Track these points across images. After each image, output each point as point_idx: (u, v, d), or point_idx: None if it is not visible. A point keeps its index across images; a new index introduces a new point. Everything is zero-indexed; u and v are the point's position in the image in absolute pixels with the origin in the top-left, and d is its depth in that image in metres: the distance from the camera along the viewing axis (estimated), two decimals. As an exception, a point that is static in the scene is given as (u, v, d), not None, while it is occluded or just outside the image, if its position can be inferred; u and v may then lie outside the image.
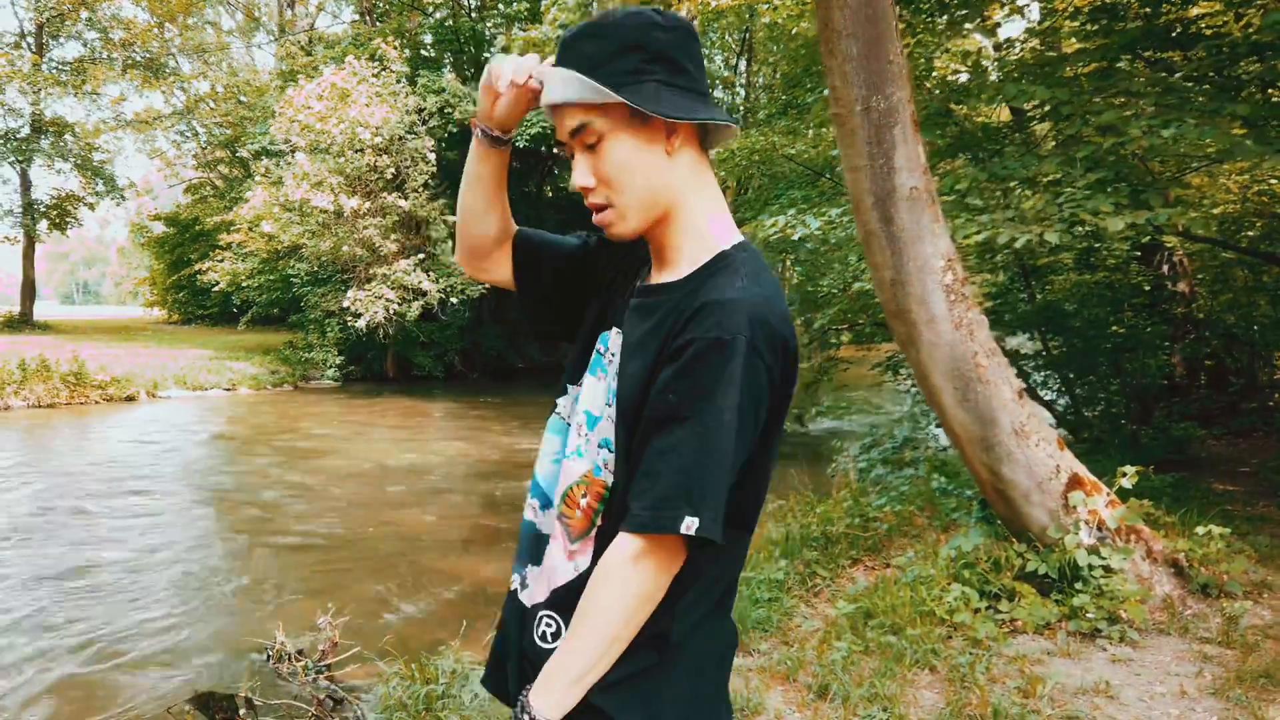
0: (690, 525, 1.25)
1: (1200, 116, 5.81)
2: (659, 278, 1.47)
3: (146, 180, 44.59)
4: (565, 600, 1.40)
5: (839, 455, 10.02)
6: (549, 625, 1.43)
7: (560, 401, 1.55)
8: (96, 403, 17.81)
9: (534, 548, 1.50)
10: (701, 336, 1.29)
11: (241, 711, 4.62)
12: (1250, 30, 6.84)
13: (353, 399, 20.63)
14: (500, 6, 27.00)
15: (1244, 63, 7.17)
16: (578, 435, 1.45)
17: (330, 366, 23.45)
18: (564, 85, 1.37)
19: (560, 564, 1.43)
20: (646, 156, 1.39)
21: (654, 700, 1.38)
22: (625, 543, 1.29)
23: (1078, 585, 4.84)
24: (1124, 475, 5.19)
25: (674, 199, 1.42)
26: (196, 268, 29.07)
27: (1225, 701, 3.90)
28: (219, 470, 12.06)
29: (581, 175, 1.41)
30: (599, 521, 1.41)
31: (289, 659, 5.36)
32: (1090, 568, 4.85)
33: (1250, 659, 4.25)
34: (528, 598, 1.49)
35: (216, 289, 26.29)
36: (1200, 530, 5.25)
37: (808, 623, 5.05)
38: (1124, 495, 5.21)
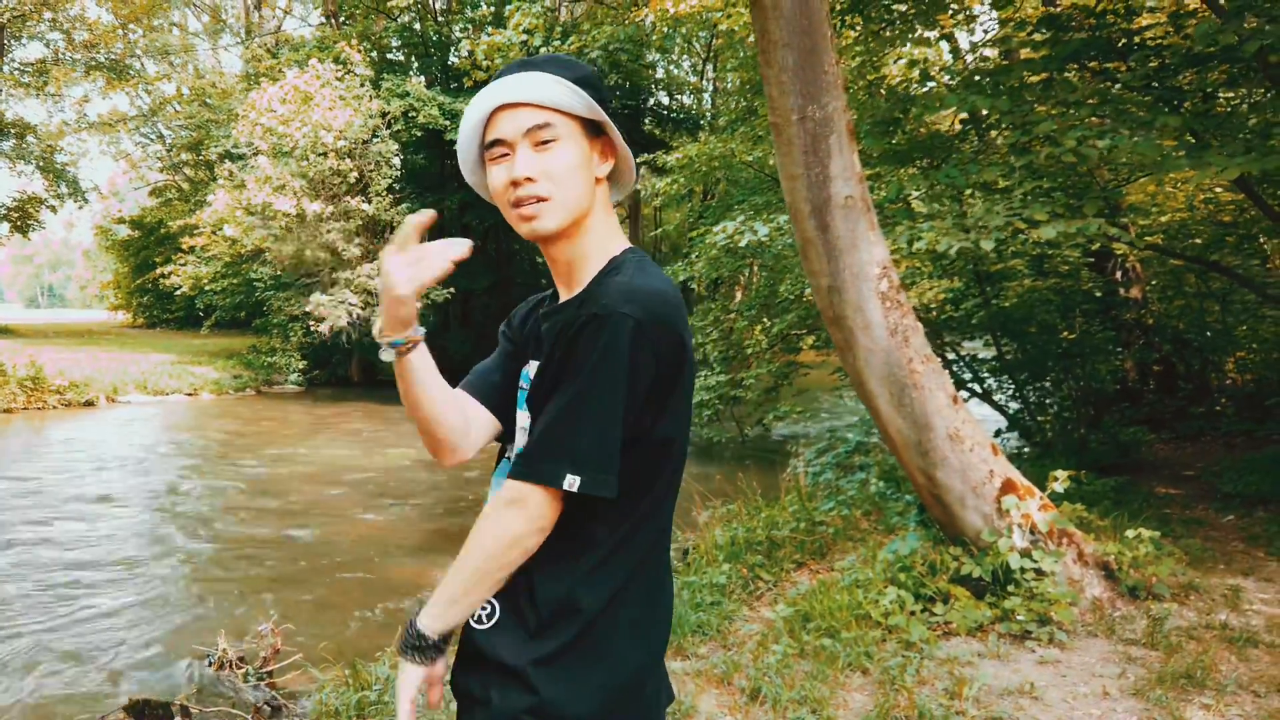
0: (572, 483, 1.39)
1: (1136, 128, 5.92)
2: (563, 298, 1.61)
3: (112, 182, 44.23)
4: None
5: (793, 459, 10.08)
6: (484, 608, 1.50)
7: (509, 448, 1.69)
8: (54, 408, 17.63)
9: None
10: (583, 315, 1.42)
11: (177, 719, 4.61)
12: (1189, 41, 6.96)
13: (316, 404, 20.53)
14: (466, 11, 26.97)
15: (1185, 73, 7.30)
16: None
17: (293, 371, 23.33)
18: (548, 87, 1.49)
19: None
20: (585, 169, 1.53)
21: (577, 678, 1.46)
22: (506, 489, 1.45)
23: (1010, 588, 4.92)
24: (1056, 480, 5.28)
25: (589, 214, 1.56)
26: (160, 271, 28.83)
27: (1146, 702, 3.98)
28: (174, 476, 11.97)
29: (526, 167, 1.49)
30: None
31: (230, 665, 5.35)
32: (1022, 571, 4.93)
33: (1172, 660, 4.33)
34: None
35: (180, 293, 26.07)
36: (1130, 534, 5.34)
37: (747, 626, 5.09)
38: (1057, 499, 5.30)
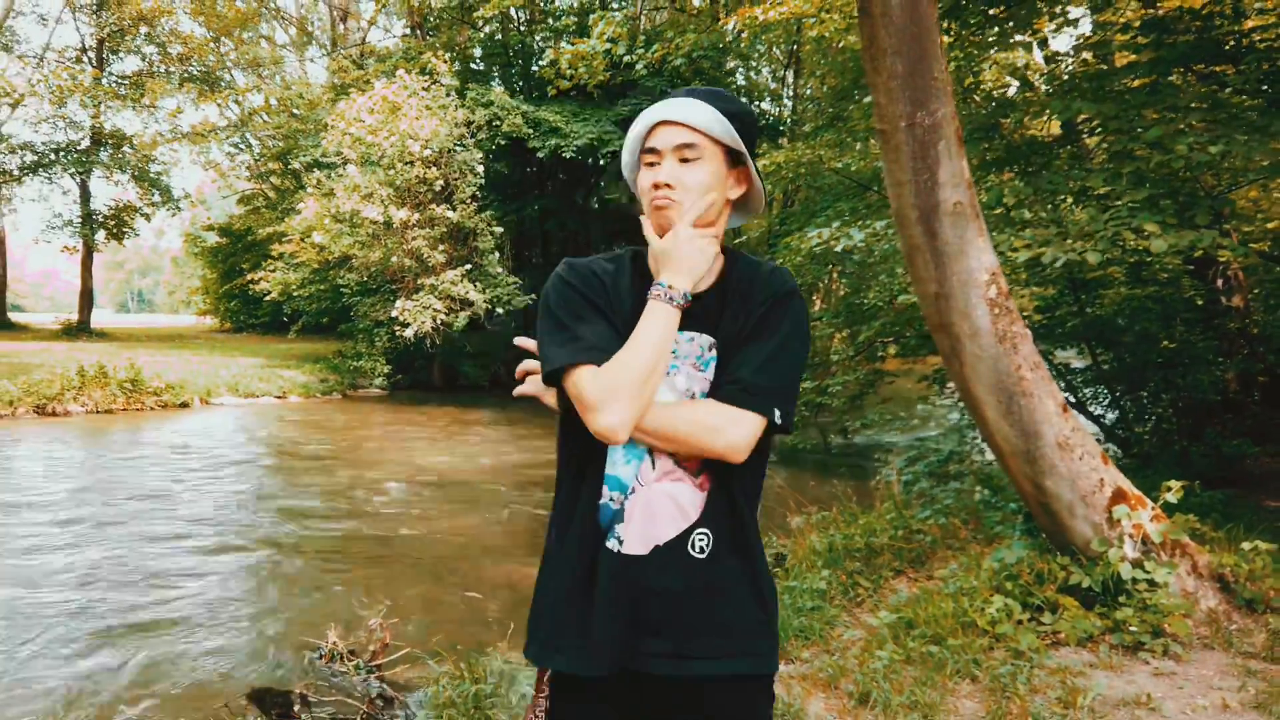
0: (778, 417, 1.73)
1: (1249, 132, 5.80)
2: (697, 289, 1.81)
3: (200, 191, 45.44)
4: (714, 519, 1.74)
5: (883, 468, 10.01)
6: (703, 539, 1.72)
7: None
8: (152, 409, 18.23)
9: (615, 520, 1.74)
10: (781, 291, 1.78)
11: (296, 708, 4.76)
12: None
13: (400, 407, 20.91)
14: (549, 21, 27.27)
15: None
16: None
17: (378, 375, 23.77)
18: (700, 114, 1.76)
19: (691, 499, 1.73)
20: (717, 189, 1.79)
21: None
22: (728, 409, 1.72)
23: (1121, 599, 4.84)
24: (1169, 490, 5.18)
25: (712, 225, 1.83)
26: (249, 277, 29.57)
27: (1268, 716, 3.90)
28: (267, 476, 12.31)
29: (668, 175, 1.77)
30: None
31: (341, 658, 5.51)
32: (1134, 581, 4.85)
33: (1295, 675, 4.24)
34: (637, 547, 1.72)
35: (268, 298, 26.72)
36: (1246, 546, 5.22)
37: (849, 632, 5.09)
38: (1169, 510, 5.21)
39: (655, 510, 1.72)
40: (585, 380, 1.66)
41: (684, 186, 1.76)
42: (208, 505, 10.17)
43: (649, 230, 1.80)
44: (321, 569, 7.88)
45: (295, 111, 31.62)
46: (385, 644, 5.54)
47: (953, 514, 7.22)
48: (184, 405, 18.92)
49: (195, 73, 33.01)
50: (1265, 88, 7.05)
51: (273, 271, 25.24)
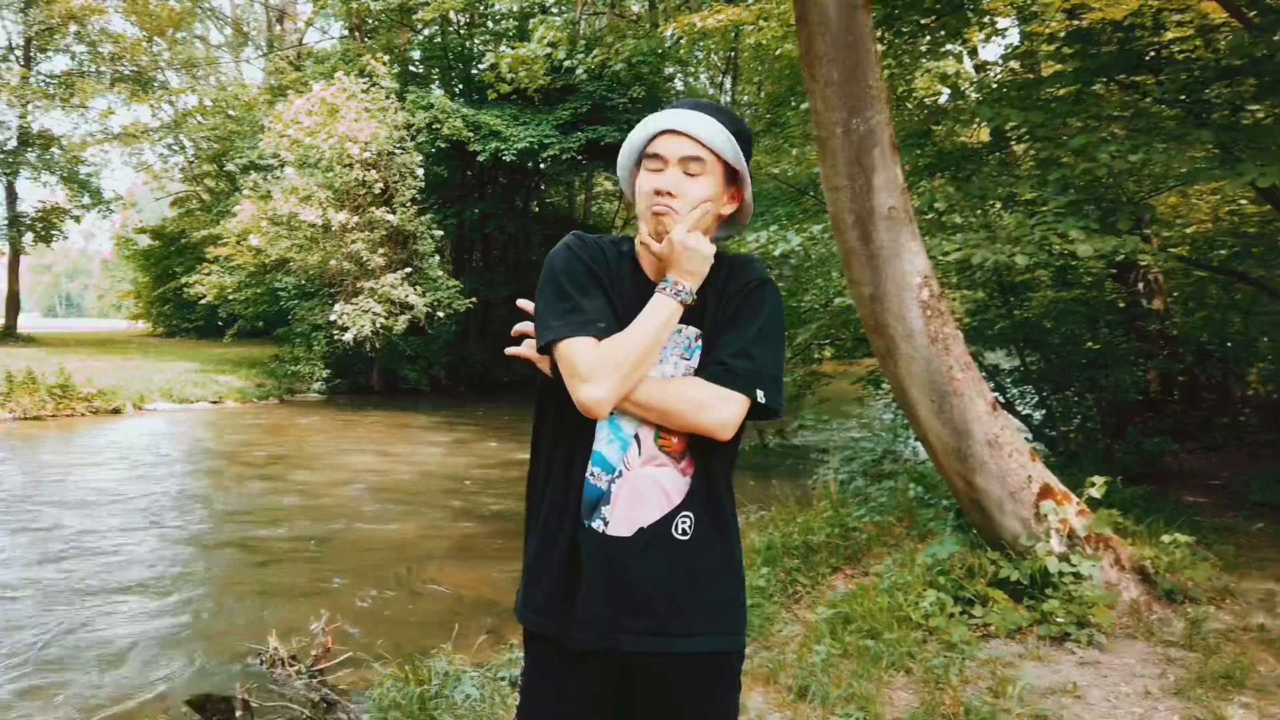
0: (761, 396, 1.82)
1: (1169, 141, 6.03)
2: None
3: (131, 193, 44.56)
4: (695, 503, 1.82)
5: (820, 467, 10.18)
6: (686, 521, 1.80)
7: None
8: (83, 415, 17.82)
9: (601, 502, 1.81)
10: (755, 280, 1.88)
11: (238, 714, 4.74)
12: (1219, 55, 7.07)
13: (339, 412, 20.71)
14: (489, 24, 27.20)
15: (1215, 86, 7.41)
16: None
17: (316, 380, 23.52)
18: (710, 129, 1.84)
19: (674, 483, 1.81)
20: (714, 203, 1.88)
21: None
22: (717, 389, 1.80)
23: (1048, 591, 5.01)
24: (1093, 485, 5.38)
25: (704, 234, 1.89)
26: (183, 280, 29.08)
27: (1187, 701, 4.07)
28: (206, 481, 12.15)
29: (672, 183, 1.84)
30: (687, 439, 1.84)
31: (283, 663, 5.49)
32: (1060, 574, 5.03)
33: (1211, 661, 4.43)
34: (622, 529, 1.79)
35: (203, 302, 26.29)
36: (1166, 539, 5.43)
37: (788, 628, 5.20)
38: (1094, 505, 5.40)
39: (641, 494, 1.79)
40: (581, 351, 1.75)
41: (685, 197, 1.84)
42: (142, 512, 10.00)
43: (645, 234, 1.87)
44: (261, 574, 7.82)
45: (231, 113, 31.18)
46: (328, 648, 5.53)
47: (887, 512, 7.39)
48: (116, 411, 18.53)
49: (127, 72, 32.34)
50: (1183, 97, 7.31)
51: (208, 275, 24.85)
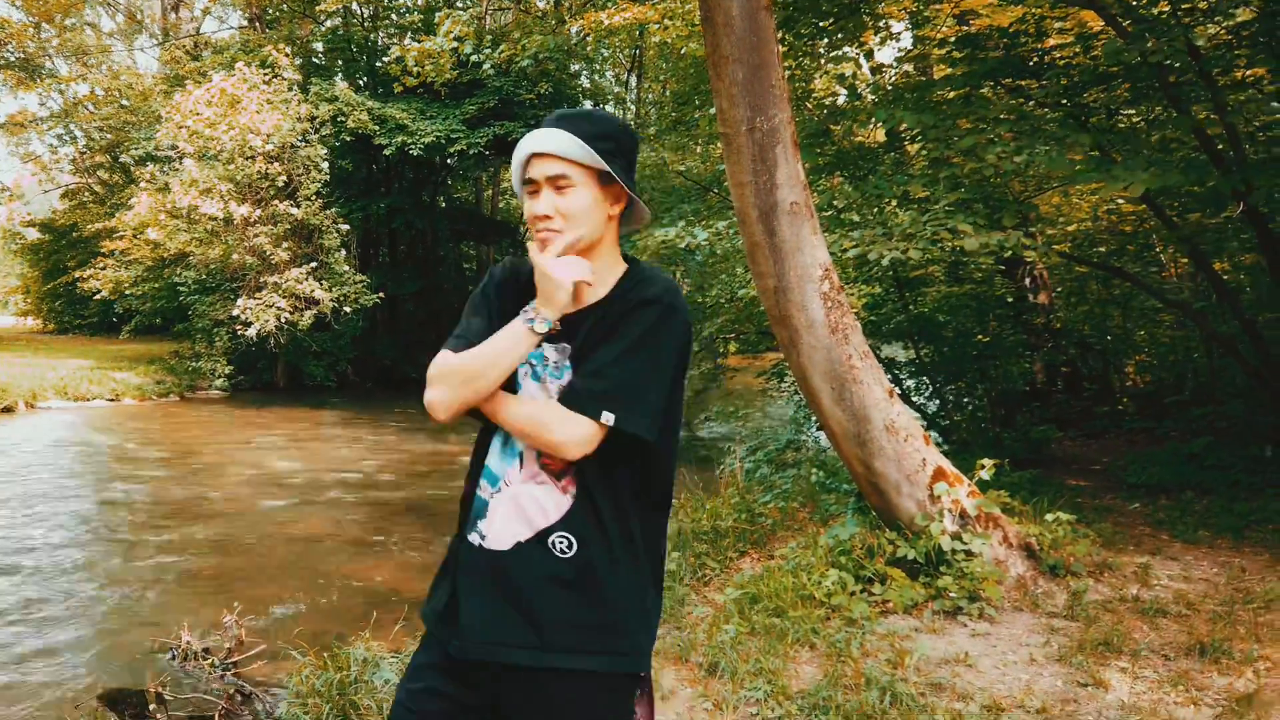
0: (607, 418, 1.77)
1: (1050, 143, 6.39)
2: (584, 303, 1.92)
3: (17, 184, 42.74)
4: (573, 523, 1.81)
5: (727, 457, 10.45)
6: (563, 541, 1.80)
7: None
8: (-30, 414, 17.23)
9: (479, 516, 1.88)
10: (636, 298, 1.85)
11: (151, 707, 4.74)
12: (1095, 61, 7.49)
13: (242, 408, 20.32)
14: (393, 17, 26.93)
15: (1092, 90, 7.84)
16: None
17: (218, 376, 23.00)
18: (565, 143, 1.85)
19: (553, 502, 1.82)
20: (596, 209, 1.90)
21: None
22: (574, 417, 1.79)
23: (942, 568, 5.31)
24: (983, 468, 5.70)
25: (599, 243, 1.93)
26: (75, 275, 28.12)
27: (1069, 667, 4.39)
28: (106, 480, 11.87)
29: (545, 206, 1.87)
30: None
31: (195, 657, 5.48)
32: (953, 552, 5.33)
33: (1091, 629, 4.76)
34: (500, 543, 1.84)
35: (97, 297, 25.46)
36: (1050, 517, 5.79)
37: (699, 609, 5.40)
38: (983, 486, 5.72)
39: (520, 509, 1.83)
40: (436, 360, 1.85)
41: (563, 215, 1.86)
42: (42, 511, 9.75)
43: (533, 254, 1.88)
44: (169, 572, 7.74)
45: (124, 103, 30.20)
46: (241, 641, 5.54)
47: (791, 498, 7.67)
48: (8, 410, 17.87)
49: (12, 59, 31.08)
50: (1064, 101, 7.72)
51: (103, 269, 24.06)
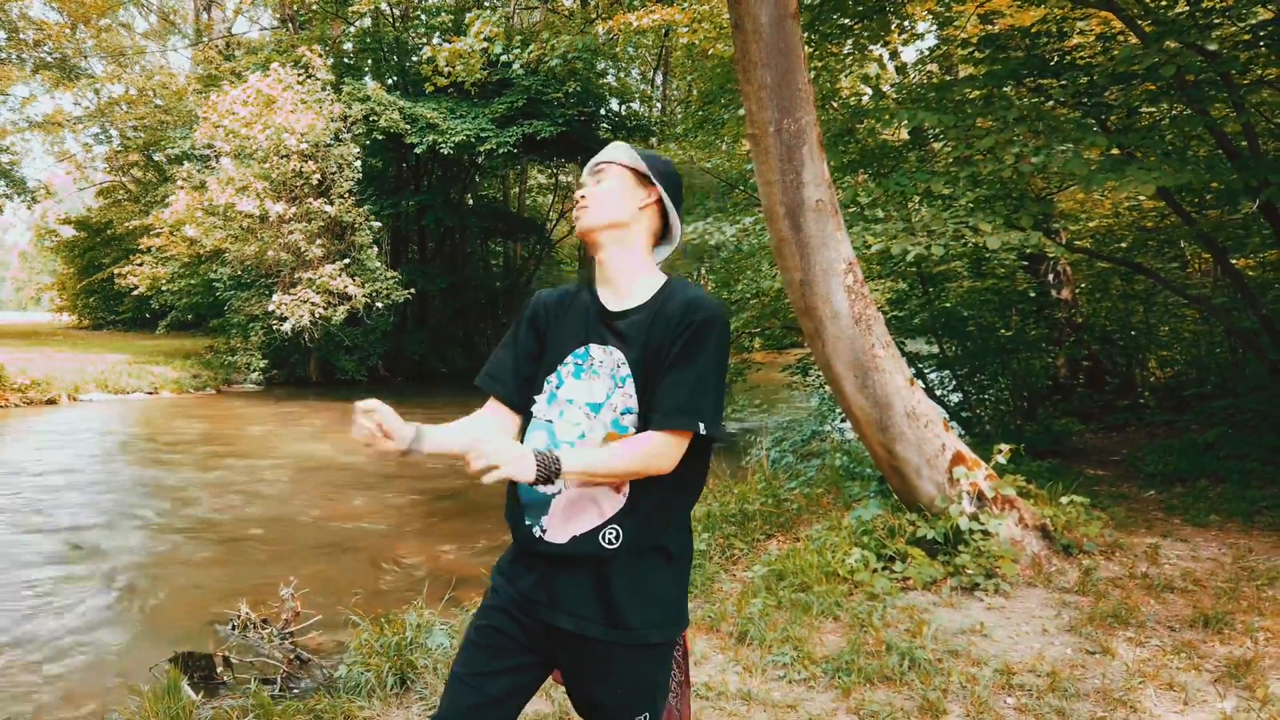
0: (703, 428, 2.03)
1: (1067, 142, 6.62)
2: (621, 305, 2.18)
3: (50, 182, 43.48)
4: (623, 518, 2.06)
5: (753, 448, 10.72)
6: (613, 532, 2.06)
7: (536, 410, 2.23)
8: (16, 405, 17.68)
9: (543, 507, 2.11)
10: (698, 319, 2.07)
11: (219, 670, 5.08)
12: (1115, 61, 7.70)
13: (278, 402, 20.76)
14: (423, 17, 27.31)
15: (1112, 90, 8.05)
16: (584, 420, 2.13)
17: (253, 370, 23.47)
18: (612, 150, 2.27)
19: (609, 501, 2.07)
20: (623, 194, 2.21)
21: None
22: (657, 436, 2.03)
23: (960, 547, 5.57)
24: (1000, 452, 5.96)
25: (628, 233, 2.21)
26: (113, 271, 28.70)
27: (1078, 637, 4.65)
28: (153, 466, 12.28)
29: (584, 189, 2.24)
30: None
31: (255, 627, 5.82)
32: (971, 532, 5.59)
33: (1100, 603, 5.02)
34: (559, 536, 2.09)
35: (135, 293, 26.01)
36: (1064, 500, 6.04)
37: (728, 584, 5.69)
38: (1000, 471, 5.98)
39: (579, 509, 2.08)
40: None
41: (594, 196, 2.19)
42: (93, 495, 10.17)
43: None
44: (221, 552, 8.09)
45: (158, 102, 30.74)
46: (297, 612, 5.87)
47: (816, 484, 7.93)
48: (51, 402, 18.39)
49: (49, 60, 31.69)
50: (1085, 101, 7.94)
51: (140, 265, 24.60)
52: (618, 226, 2.19)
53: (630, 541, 2.06)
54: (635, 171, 2.22)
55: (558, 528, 2.08)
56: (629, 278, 2.20)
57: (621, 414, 2.10)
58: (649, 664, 2.13)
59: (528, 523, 2.12)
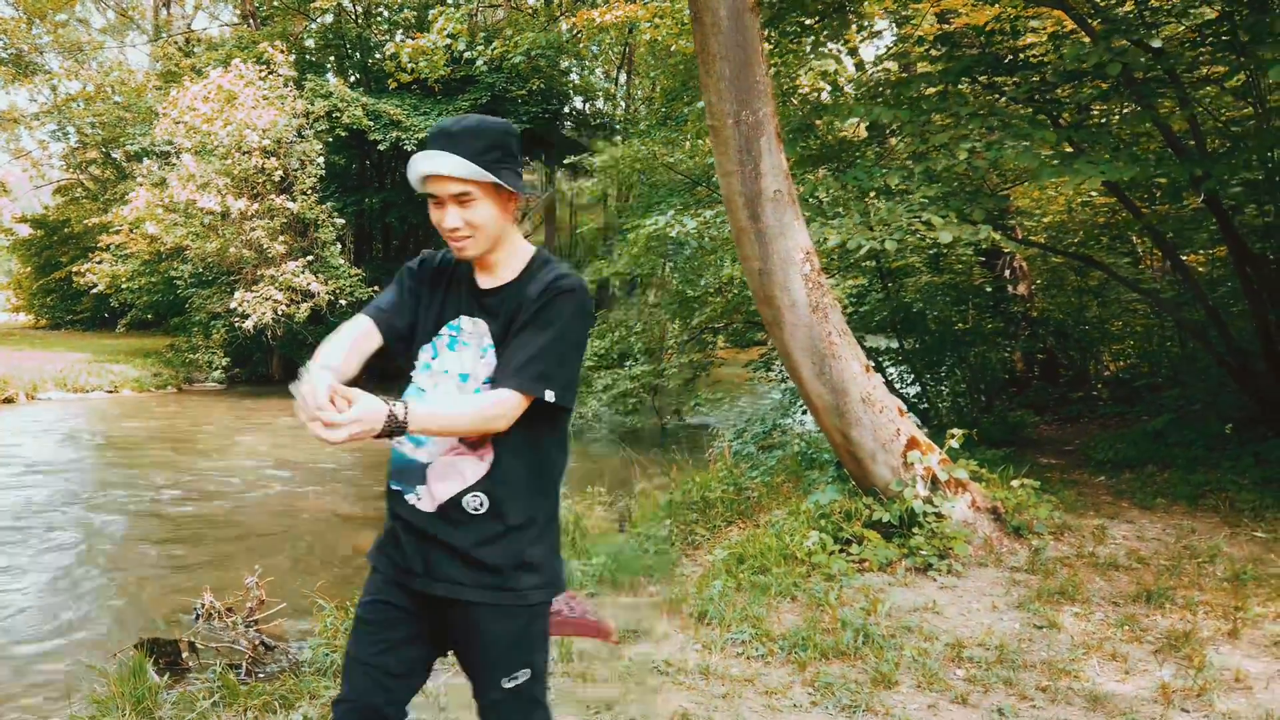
0: (550, 396, 2.07)
1: (1018, 138, 6.79)
2: (493, 283, 2.23)
3: (5, 180, 42.77)
4: (488, 485, 2.12)
5: (716, 440, 10.86)
6: (477, 499, 2.12)
7: (416, 375, 2.30)
8: (-28, 404, 17.51)
9: (416, 475, 2.17)
10: (556, 289, 2.11)
11: (184, 655, 5.12)
12: (1065, 60, 7.88)
13: (240, 399, 20.64)
14: (385, 13, 27.23)
15: (1063, 87, 8.24)
16: (454, 390, 2.18)
17: (215, 368, 23.29)
18: (459, 168, 2.07)
19: (472, 468, 2.12)
20: (498, 214, 2.16)
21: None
22: (499, 394, 2.07)
23: (914, 529, 5.72)
24: (953, 437, 6.12)
25: (504, 236, 2.21)
26: (71, 270, 28.34)
27: (1027, 612, 4.81)
28: (116, 464, 12.22)
29: (453, 220, 2.12)
30: None
31: (219, 615, 5.85)
32: (924, 514, 5.74)
33: (1048, 580, 5.19)
34: (428, 504, 2.15)
35: (95, 291, 25.70)
36: (1015, 483, 6.21)
37: (689, 568, 5.80)
38: (953, 455, 6.13)
39: (443, 477, 2.14)
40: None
41: (472, 225, 2.12)
42: (56, 491, 10.11)
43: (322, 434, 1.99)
44: (184, 546, 8.11)
45: (117, 99, 30.36)
46: (262, 600, 5.91)
47: (777, 473, 8.07)
48: (8, 400, 18.14)
49: (4, 55, 31.21)
50: (1036, 97, 8.12)
51: (100, 264, 24.32)
52: (497, 240, 2.21)
53: (494, 507, 2.12)
54: (494, 185, 2.13)
55: (427, 496, 2.15)
56: (504, 261, 2.25)
57: (483, 383, 2.17)
58: (524, 623, 2.18)
59: (400, 489, 2.19)
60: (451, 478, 2.13)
